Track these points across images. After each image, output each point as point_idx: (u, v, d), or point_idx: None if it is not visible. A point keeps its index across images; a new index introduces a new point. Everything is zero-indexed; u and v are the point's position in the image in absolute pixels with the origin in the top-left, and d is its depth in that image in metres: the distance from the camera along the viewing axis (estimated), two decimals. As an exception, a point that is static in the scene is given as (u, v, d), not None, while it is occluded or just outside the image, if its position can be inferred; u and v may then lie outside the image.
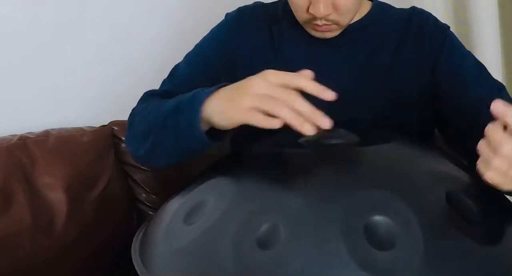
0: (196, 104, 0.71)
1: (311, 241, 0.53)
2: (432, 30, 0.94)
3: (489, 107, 0.63)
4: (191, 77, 0.96)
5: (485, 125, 0.63)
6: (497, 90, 0.90)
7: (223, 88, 0.72)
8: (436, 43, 0.93)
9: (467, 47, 0.96)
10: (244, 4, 1.04)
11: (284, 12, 0.98)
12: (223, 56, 0.98)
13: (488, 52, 1.43)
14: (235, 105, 0.66)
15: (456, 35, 0.97)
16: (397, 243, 0.52)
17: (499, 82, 0.93)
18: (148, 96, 0.94)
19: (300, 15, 0.88)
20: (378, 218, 0.54)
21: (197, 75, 0.96)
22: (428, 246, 0.53)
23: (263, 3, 1.04)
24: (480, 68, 0.93)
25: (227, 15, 1.02)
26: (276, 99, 0.63)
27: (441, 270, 0.52)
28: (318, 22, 0.86)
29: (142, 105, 0.90)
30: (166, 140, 0.78)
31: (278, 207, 0.57)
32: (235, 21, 1.00)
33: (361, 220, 0.54)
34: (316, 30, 0.90)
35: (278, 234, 0.54)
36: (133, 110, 0.91)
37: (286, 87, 0.64)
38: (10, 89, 1.27)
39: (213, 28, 1.02)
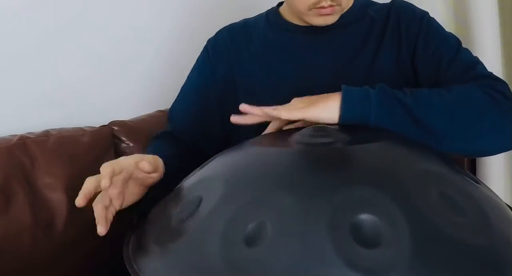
0: None
1: (298, 238, 0.53)
2: (408, 20, 0.94)
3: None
4: (185, 114, 1.06)
5: None
6: (469, 68, 0.89)
7: None
8: (412, 34, 0.92)
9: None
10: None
11: (267, 20, 1.03)
12: (210, 83, 1.04)
13: (488, 52, 1.44)
14: None
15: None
16: (384, 241, 0.52)
17: (475, 57, 0.92)
18: (151, 142, 1.06)
19: (305, 1, 0.89)
20: (365, 216, 0.54)
21: (190, 110, 1.05)
22: (416, 244, 0.53)
23: (245, 19, 1.08)
24: (457, 48, 0.92)
25: (207, 42, 1.07)
26: None
27: (429, 267, 0.52)
28: (324, 4, 0.88)
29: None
30: None
31: (266, 205, 0.57)
32: (211, 48, 1.05)
33: (348, 218, 0.54)
34: (321, 15, 0.91)
35: (266, 232, 0.54)
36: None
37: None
38: (10, 89, 1.27)
39: (198, 57, 1.08)
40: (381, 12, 0.97)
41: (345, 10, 0.93)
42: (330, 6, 0.89)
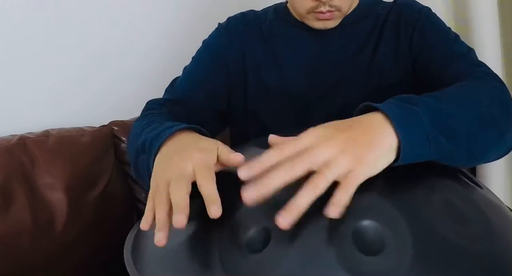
0: (155, 146, 0.71)
1: (299, 245, 0.53)
2: (407, 13, 0.94)
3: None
4: (190, 89, 0.99)
5: None
6: (471, 66, 0.85)
7: (183, 134, 0.72)
8: (409, 24, 0.93)
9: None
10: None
11: (276, 14, 1.02)
12: (218, 64, 1.01)
13: (488, 52, 1.43)
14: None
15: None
16: (386, 247, 0.52)
17: (479, 61, 0.89)
18: (148, 108, 0.96)
19: (303, 5, 0.89)
20: (366, 222, 0.53)
21: (195, 87, 0.99)
22: (418, 250, 0.52)
23: (254, 10, 1.07)
24: (454, 41, 0.91)
25: (218, 25, 1.05)
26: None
27: (431, 273, 0.52)
28: (322, 9, 0.88)
29: (140, 121, 0.89)
30: (141, 170, 0.79)
31: (267, 210, 0.56)
32: (225, 29, 1.03)
33: (349, 225, 0.53)
34: (319, 19, 0.91)
35: (266, 238, 0.54)
36: (135, 121, 0.91)
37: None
38: (10, 89, 1.27)
39: (205, 39, 1.05)
40: (385, 9, 0.98)
41: (346, 13, 0.94)
42: (329, 11, 0.88)
